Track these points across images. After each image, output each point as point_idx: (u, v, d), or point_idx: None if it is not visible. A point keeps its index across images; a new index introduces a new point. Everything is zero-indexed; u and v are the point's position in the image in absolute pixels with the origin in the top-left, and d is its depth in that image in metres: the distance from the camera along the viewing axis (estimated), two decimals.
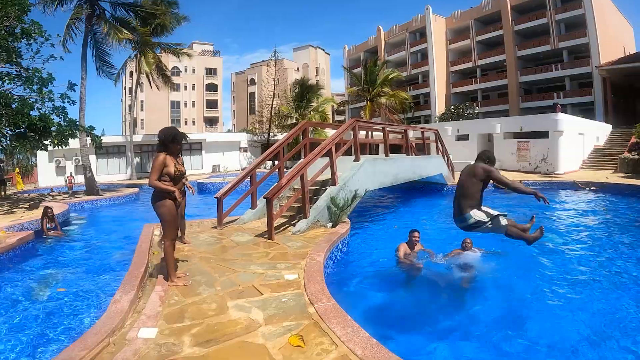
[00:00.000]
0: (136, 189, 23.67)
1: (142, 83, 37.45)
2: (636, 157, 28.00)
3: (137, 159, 39.81)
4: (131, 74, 48.69)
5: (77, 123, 18.32)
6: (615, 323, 6.23)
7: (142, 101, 79.47)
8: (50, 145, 17.14)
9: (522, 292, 7.60)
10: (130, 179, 35.85)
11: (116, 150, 39.94)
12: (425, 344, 5.65)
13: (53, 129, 16.40)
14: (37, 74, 16.09)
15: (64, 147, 17.77)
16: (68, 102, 17.33)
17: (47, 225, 12.47)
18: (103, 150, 36.94)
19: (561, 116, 29.99)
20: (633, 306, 6.79)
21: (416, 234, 9.35)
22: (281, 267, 7.04)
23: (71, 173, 30.26)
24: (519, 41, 55.04)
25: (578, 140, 32.15)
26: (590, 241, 12.13)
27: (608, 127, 38.76)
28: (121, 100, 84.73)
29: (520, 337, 5.81)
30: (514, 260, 9.52)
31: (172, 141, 6.30)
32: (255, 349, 4.27)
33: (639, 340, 5.62)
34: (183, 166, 6.56)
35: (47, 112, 16.35)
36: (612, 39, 50.50)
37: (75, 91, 18.40)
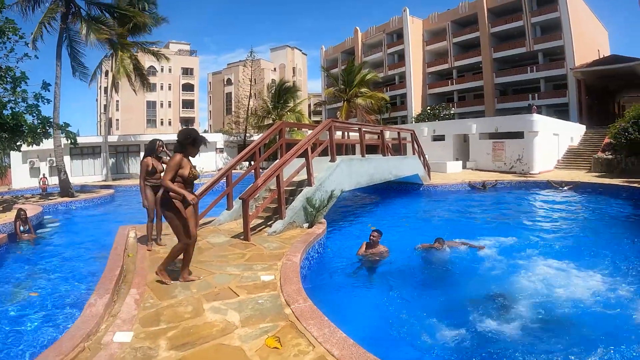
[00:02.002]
0: (111, 191, 23.41)
1: (117, 83, 36.96)
2: (610, 157, 28.43)
3: (112, 160, 39.32)
4: (107, 73, 48.15)
5: (51, 121, 18.08)
6: (580, 311, 6.47)
7: (117, 101, 78.64)
8: (24, 144, 16.90)
9: (484, 286, 7.65)
10: (105, 180, 35.27)
11: (91, 151, 39.34)
12: (401, 342, 5.68)
13: (25, 128, 16.15)
14: (10, 73, 15.86)
15: (37, 146, 17.55)
16: (42, 101, 17.11)
17: (21, 228, 12.26)
18: (78, 151, 36.53)
19: (536, 117, 30.36)
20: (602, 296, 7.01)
21: (375, 233, 9.48)
22: (257, 269, 7.00)
23: (44, 174, 29.76)
24: (495, 43, 55.65)
25: (553, 141, 32.59)
26: (562, 237, 12.41)
27: (582, 128, 39.30)
28: (96, 100, 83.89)
29: (489, 328, 5.90)
30: (485, 257, 9.72)
31: (191, 143, 6.24)
32: (231, 351, 4.24)
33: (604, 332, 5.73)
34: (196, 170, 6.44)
35: (20, 111, 16.12)
36: (587, 41, 51.26)
37: (49, 91, 18.15)
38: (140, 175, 8.41)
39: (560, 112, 46.61)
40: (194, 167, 6.36)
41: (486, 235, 11.95)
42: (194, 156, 6.42)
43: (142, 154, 8.93)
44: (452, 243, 10.13)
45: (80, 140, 27.08)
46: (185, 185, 6.15)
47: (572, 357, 5.27)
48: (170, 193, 6.00)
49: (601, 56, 50.85)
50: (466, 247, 10.07)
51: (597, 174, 27.30)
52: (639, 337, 5.77)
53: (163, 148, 8.72)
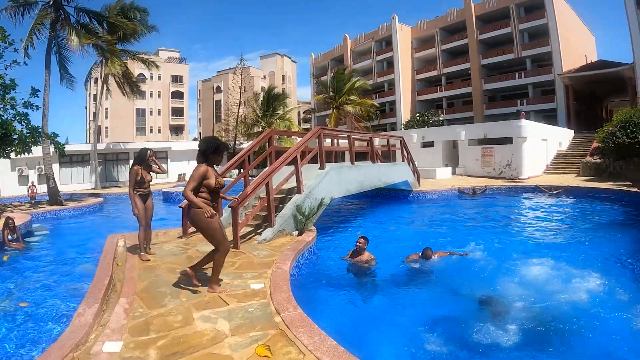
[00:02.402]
0: (100, 199, 23.24)
1: (107, 90, 36.82)
2: (598, 161, 28.69)
3: (101, 168, 39.11)
4: (96, 80, 48.00)
5: (40, 130, 17.98)
6: (568, 313, 6.55)
7: (106, 108, 78.45)
8: (13, 153, 16.81)
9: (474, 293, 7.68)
10: (94, 189, 35.08)
11: (80, 159, 39.07)
12: (391, 349, 5.68)
13: (15, 136, 16.07)
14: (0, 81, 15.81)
15: (26, 155, 17.45)
16: (31, 108, 17.05)
17: (9, 237, 12.15)
18: (67, 159, 36.32)
19: (524, 123, 30.59)
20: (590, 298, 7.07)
21: (361, 240, 9.46)
22: (247, 277, 6.98)
23: (33, 182, 29.53)
24: (483, 50, 56.07)
25: (541, 146, 32.83)
26: (551, 241, 12.59)
27: (570, 133, 39.68)
28: (86, 107, 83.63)
29: (475, 337, 5.91)
30: (474, 262, 9.87)
31: (214, 152, 6.18)
32: None
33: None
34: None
35: (9, 119, 16.04)
36: (574, 47, 51.76)
37: (38, 97, 18.11)
38: (129, 184, 8.32)
39: (549, 117, 46.94)
40: (219, 175, 6.33)
41: (475, 241, 12.03)
42: (218, 164, 6.39)
43: (131, 162, 8.82)
44: (440, 253, 10.13)
45: (69, 148, 27.01)
46: (211, 195, 6.13)
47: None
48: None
49: (588, 62, 51.40)
50: (453, 256, 10.08)
51: (585, 178, 27.51)
52: (626, 335, 5.91)
53: (153, 157, 8.68)
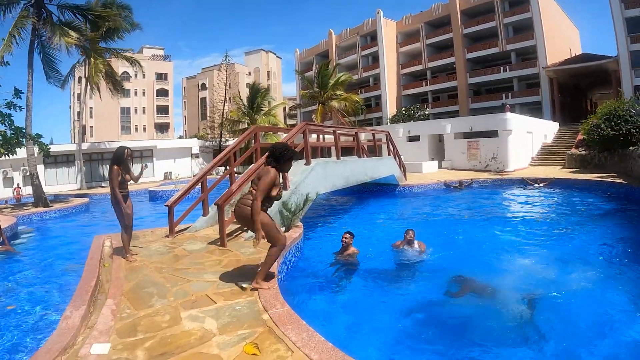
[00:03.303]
0: (86, 199, 23.09)
1: (91, 89, 36.44)
2: (583, 153, 28.94)
3: (86, 168, 38.75)
4: (80, 79, 47.56)
5: (24, 131, 17.83)
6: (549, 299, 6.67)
7: (91, 108, 77.79)
8: None
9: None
10: (80, 189, 34.79)
11: (65, 160, 38.75)
12: (379, 343, 5.71)
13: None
14: None
15: (10, 156, 17.30)
16: (14, 109, 16.89)
17: None
18: (51, 160, 36.01)
19: (510, 116, 30.73)
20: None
21: (347, 235, 9.52)
22: (235, 274, 6.96)
23: (18, 184, 29.31)
24: (468, 44, 56.21)
25: (527, 139, 33.03)
26: (536, 232, 12.76)
27: (555, 125, 40.00)
28: (70, 107, 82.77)
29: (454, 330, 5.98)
30: (454, 254, 10.09)
31: (289, 159, 6.06)
32: (210, 359, 4.22)
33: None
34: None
35: None
36: (558, 41, 52.07)
37: (21, 98, 17.92)
38: (114, 185, 8.05)
39: (534, 110, 47.19)
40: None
41: (462, 232, 12.15)
42: (286, 172, 6.37)
43: None
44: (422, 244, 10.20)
45: (53, 148, 26.76)
46: (268, 204, 6.08)
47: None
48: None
49: (573, 55, 51.74)
50: (427, 248, 10.13)
51: (571, 169, 27.73)
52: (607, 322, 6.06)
53: (130, 157, 8.54)
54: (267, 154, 6.06)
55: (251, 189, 6.04)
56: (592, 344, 5.55)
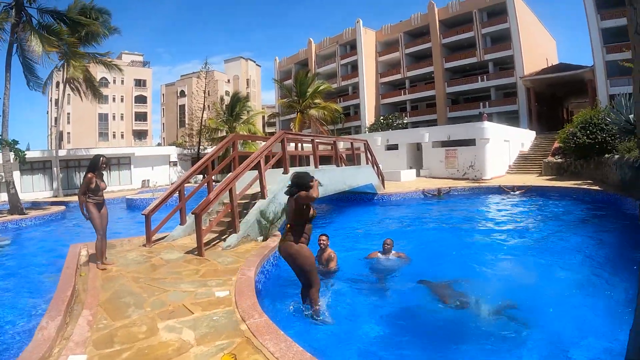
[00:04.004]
0: (62, 207, 22.72)
1: (69, 94, 36.02)
2: (559, 160, 29.29)
3: (62, 175, 38.27)
4: (57, 84, 47.06)
5: (0, 137, 17.60)
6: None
7: (68, 113, 76.96)
8: None
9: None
10: (56, 196, 34.42)
11: (42, 166, 38.16)
12: (358, 352, 5.71)
13: None
14: None
15: None
16: None
17: None
18: (28, 166, 35.53)
19: (487, 124, 31.00)
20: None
21: (323, 237, 9.49)
22: (212, 284, 6.92)
23: None
24: (446, 53, 56.83)
25: (504, 147, 33.35)
26: (515, 238, 12.97)
27: (532, 134, 40.52)
28: (47, 112, 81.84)
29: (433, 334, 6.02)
30: (432, 262, 10.20)
31: (311, 180, 6.59)
32: None
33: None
34: None
35: None
36: (535, 51, 52.85)
37: None
38: (80, 190, 8.15)
39: (511, 119, 47.70)
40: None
41: (439, 240, 12.25)
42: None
43: None
44: (400, 254, 10.25)
45: (30, 154, 26.47)
46: (306, 231, 6.36)
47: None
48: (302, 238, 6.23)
49: (549, 65, 52.41)
50: (405, 257, 10.19)
51: (547, 177, 28.06)
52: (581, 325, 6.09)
53: (105, 165, 8.51)
54: (290, 185, 6.69)
55: (287, 226, 6.41)
56: (569, 348, 5.62)
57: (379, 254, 10.05)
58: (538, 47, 54.90)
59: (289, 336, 4.79)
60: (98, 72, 53.09)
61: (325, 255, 9.29)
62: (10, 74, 22.04)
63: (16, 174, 29.10)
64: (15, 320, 6.85)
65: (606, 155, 23.34)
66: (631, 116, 17.91)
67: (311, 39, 72.05)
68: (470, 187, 25.28)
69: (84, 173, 8.30)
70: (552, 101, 52.37)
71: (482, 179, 29.35)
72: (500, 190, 23.77)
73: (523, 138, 38.51)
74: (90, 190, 8.08)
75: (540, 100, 48.56)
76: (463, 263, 9.97)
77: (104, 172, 8.51)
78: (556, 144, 32.61)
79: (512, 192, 22.80)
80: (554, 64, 52.22)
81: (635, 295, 3.54)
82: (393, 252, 9.99)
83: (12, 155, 20.71)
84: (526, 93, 48.18)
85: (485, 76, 53.09)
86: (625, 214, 15.26)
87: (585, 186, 21.17)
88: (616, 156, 20.87)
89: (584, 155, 26.51)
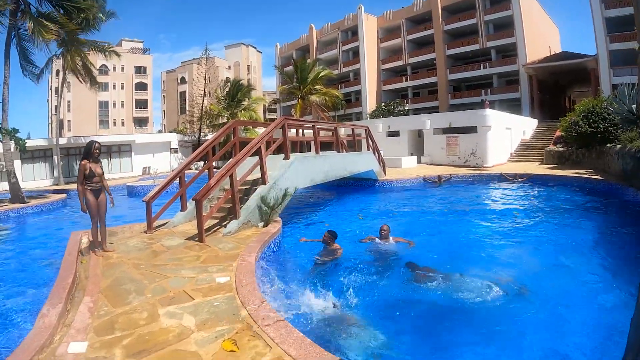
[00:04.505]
0: (63, 195, 22.82)
1: (69, 82, 35.84)
2: (561, 149, 29.15)
3: (63, 163, 38.10)
4: (57, 72, 46.86)
5: (0, 126, 17.53)
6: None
7: (68, 101, 76.89)
8: None
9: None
10: (57, 184, 34.33)
11: (42, 154, 37.83)
12: (357, 337, 5.70)
13: None
14: None
15: None
16: None
17: None
18: (28, 155, 35.39)
19: (489, 112, 30.92)
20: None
21: (327, 234, 9.55)
22: (213, 270, 6.93)
23: None
24: (448, 40, 56.47)
25: (505, 135, 33.23)
26: (515, 226, 13.00)
27: (534, 122, 40.34)
28: (47, 100, 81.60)
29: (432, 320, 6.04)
30: (431, 247, 10.26)
31: None
32: (188, 357, 4.20)
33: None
34: None
35: None
36: (538, 39, 52.51)
37: None
38: (77, 179, 8.19)
39: (513, 106, 47.40)
40: None
41: (438, 226, 12.26)
42: None
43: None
44: (399, 239, 10.27)
45: (30, 143, 26.36)
46: None
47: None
48: None
49: (552, 53, 52.21)
50: (401, 243, 10.20)
51: (549, 166, 27.96)
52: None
53: (99, 151, 8.49)
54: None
55: None
56: (566, 335, 5.63)
57: (375, 239, 10.08)
58: (541, 35, 54.53)
59: (289, 322, 4.80)
60: (98, 60, 52.86)
61: (329, 250, 9.32)
62: (10, 62, 21.93)
63: (17, 163, 29.02)
64: (15, 309, 6.84)
65: (608, 145, 23.29)
66: (634, 106, 17.87)
67: (312, 25, 71.81)
68: (471, 175, 25.21)
69: (80, 161, 8.30)
70: (555, 90, 52.19)
71: (484, 167, 29.31)
72: (501, 178, 23.72)
73: (525, 126, 38.34)
74: (85, 177, 8.07)
75: (543, 88, 48.37)
76: (461, 249, 10.00)
77: (105, 159, 8.51)
78: (558, 133, 32.46)
79: (513, 180, 22.74)
80: (557, 52, 52.10)
81: (637, 285, 3.52)
82: (391, 237, 10.00)
83: (12, 144, 20.63)
84: (528, 81, 47.98)
85: (487, 63, 52.72)
86: (626, 203, 15.22)
87: (586, 175, 21.09)
88: (618, 146, 20.81)
89: (586, 145, 26.44)
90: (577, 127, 26.40)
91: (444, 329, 5.90)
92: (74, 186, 8.85)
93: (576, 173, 22.19)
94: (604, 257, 9.10)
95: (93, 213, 8.19)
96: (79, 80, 36.61)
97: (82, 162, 8.11)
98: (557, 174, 22.58)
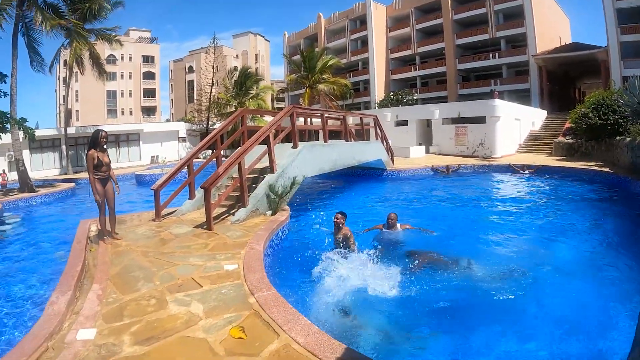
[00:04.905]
0: (72, 184, 22.86)
1: (76, 72, 35.88)
2: (570, 141, 28.97)
3: (72, 152, 38.24)
4: (65, 62, 46.87)
5: (9, 116, 17.56)
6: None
7: (76, 91, 76.90)
8: None
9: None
10: (66, 174, 34.43)
11: (51, 144, 38.05)
12: (366, 326, 5.70)
13: None
14: None
15: None
16: None
17: None
18: (37, 144, 35.48)
19: (498, 102, 30.75)
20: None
21: (338, 215, 9.33)
22: (221, 258, 6.96)
23: (4, 170, 28.90)
24: (458, 30, 56.08)
25: (514, 125, 33.07)
26: (521, 216, 12.98)
27: (543, 113, 40.08)
28: (55, 90, 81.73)
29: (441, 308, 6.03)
30: (439, 236, 10.25)
31: None
32: (196, 343, 4.22)
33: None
34: None
35: None
36: (548, 29, 52.00)
37: (6, 82, 17.67)
38: (87, 169, 8.20)
39: (522, 97, 47.15)
40: None
41: (446, 216, 12.25)
42: None
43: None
44: (407, 226, 10.28)
45: (39, 133, 26.43)
46: None
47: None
48: None
49: (562, 44, 51.74)
50: (421, 231, 10.22)
51: (558, 157, 27.80)
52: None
53: (106, 140, 8.51)
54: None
55: None
56: (571, 327, 5.61)
57: (382, 227, 10.06)
58: (551, 26, 54.01)
59: (297, 309, 4.82)
60: (105, 49, 52.80)
61: (341, 234, 9.19)
62: (17, 53, 21.96)
63: (25, 153, 29.14)
64: (25, 297, 6.87)
65: (617, 138, 23.14)
66: None
67: (320, 14, 71.51)
68: (479, 165, 25.15)
69: (87, 150, 8.32)
70: (565, 81, 51.87)
71: (492, 157, 29.19)
72: (509, 169, 23.63)
73: (534, 117, 38.11)
74: (93, 166, 8.08)
75: (552, 79, 48.03)
76: (468, 239, 10.00)
77: (113, 148, 8.55)
78: (567, 124, 32.22)
79: (521, 171, 22.65)
80: (567, 43, 51.61)
81: None
82: (399, 224, 9.99)
83: (21, 134, 20.70)
84: (538, 72, 47.61)
85: (497, 53, 52.32)
86: (636, 196, 15.13)
87: (595, 168, 20.94)
88: (628, 139, 20.67)
89: (595, 137, 26.28)
90: (586, 119, 26.24)
91: (456, 319, 5.88)
92: (82, 175, 8.90)
93: (585, 165, 22.06)
94: (612, 250, 9.05)
95: (101, 201, 8.21)
96: (81, 73, 36.69)
97: (90, 152, 8.14)
98: (566, 166, 22.43)
